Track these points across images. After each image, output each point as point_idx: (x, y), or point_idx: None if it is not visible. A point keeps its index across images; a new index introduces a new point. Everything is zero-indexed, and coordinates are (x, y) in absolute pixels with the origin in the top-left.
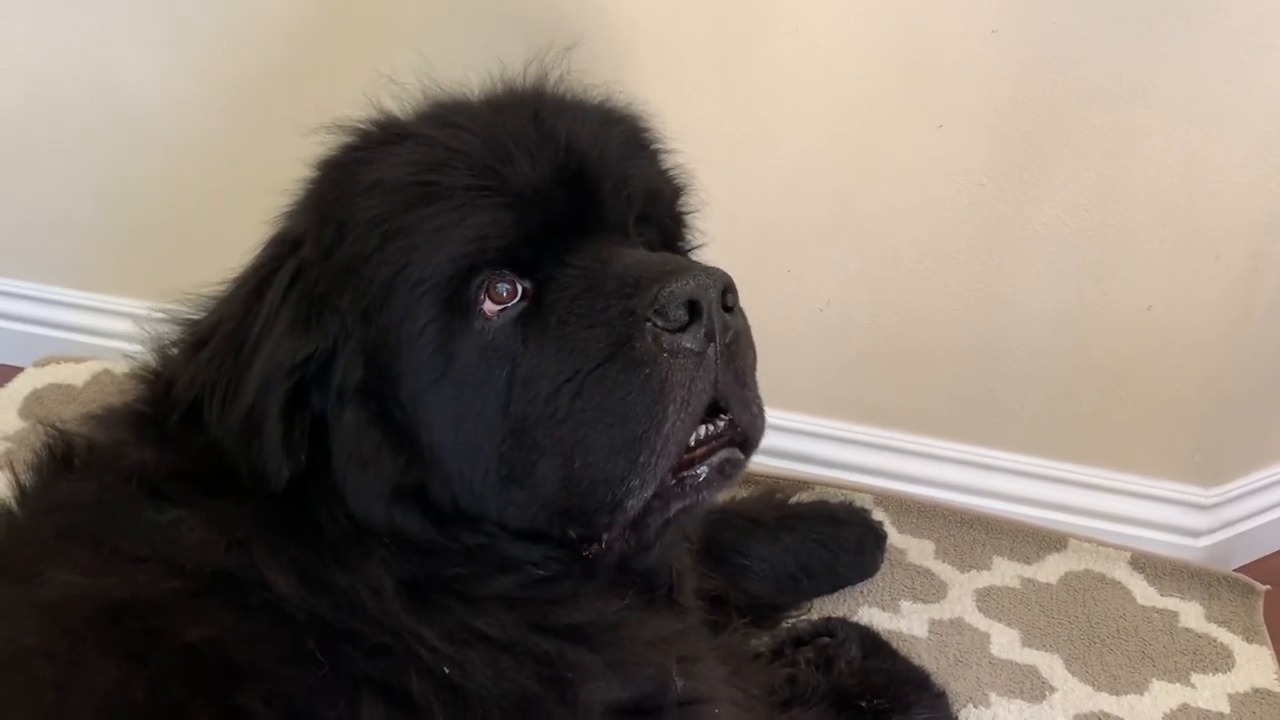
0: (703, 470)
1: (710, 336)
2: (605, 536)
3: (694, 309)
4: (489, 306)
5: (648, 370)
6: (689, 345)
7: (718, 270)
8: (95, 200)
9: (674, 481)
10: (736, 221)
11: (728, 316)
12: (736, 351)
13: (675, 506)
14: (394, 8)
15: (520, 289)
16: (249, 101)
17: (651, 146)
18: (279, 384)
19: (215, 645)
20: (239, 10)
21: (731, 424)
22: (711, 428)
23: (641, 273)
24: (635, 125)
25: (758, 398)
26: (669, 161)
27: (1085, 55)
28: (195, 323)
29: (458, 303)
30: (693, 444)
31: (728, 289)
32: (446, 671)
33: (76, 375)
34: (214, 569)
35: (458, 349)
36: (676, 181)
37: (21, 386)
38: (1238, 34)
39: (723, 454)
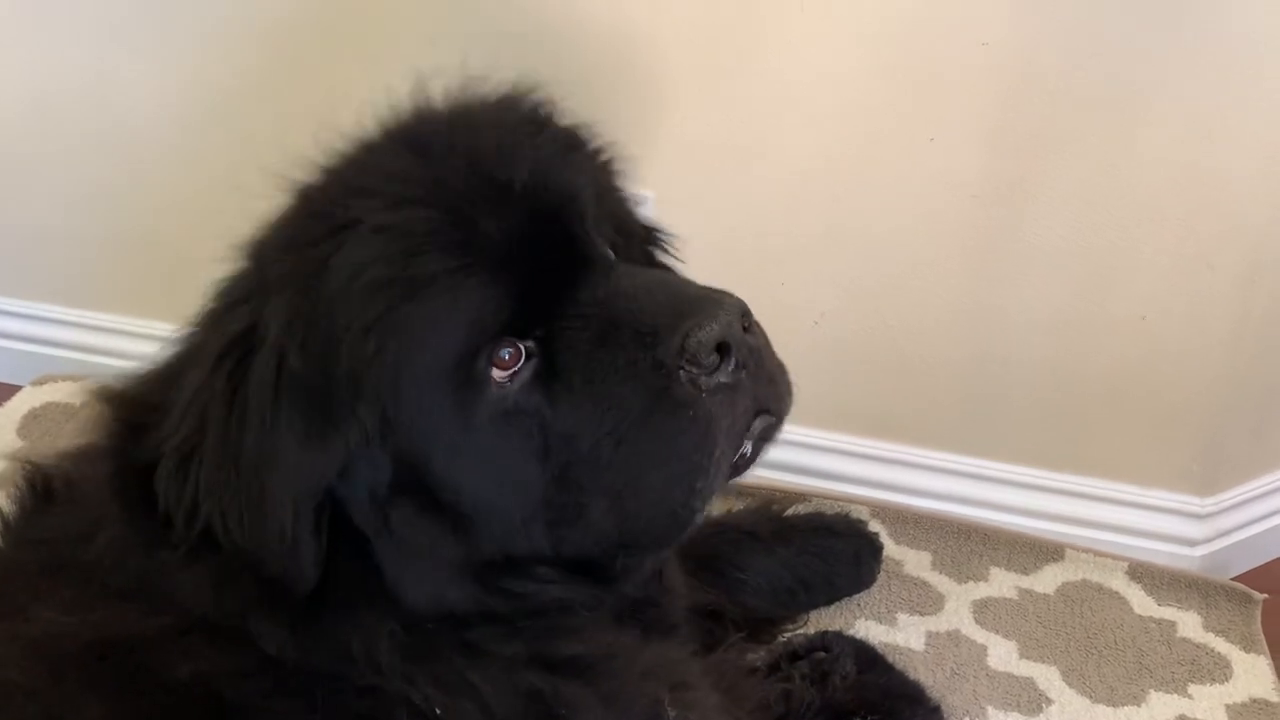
0: (748, 446)
1: (742, 365)
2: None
3: (723, 348)
4: (497, 374)
5: (691, 411)
6: (725, 381)
7: (730, 298)
8: (91, 217)
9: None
10: (729, 235)
11: (749, 339)
12: (762, 361)
13: (728, 483)
14: (388, 22)
15: (523, 349)
16: (254, 111)
17: (602, 162)
18: (308, 504)
19: (203, 682)
20: (232, 23)
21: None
22: None
23: (656, 317)
24: (581, 145)
25: (787, 381)
26: (619, 169)
27: (1078, 66)
28: (161, 406)
29: (469, 381)
30: None
31: (744, 314)
32: (438, 713)
33: (75, 394)
34: (202, 610)
35: (479, 422)
36: (630, 192)
37: (19, 405)
38: (1235, 43)
39: (758, 423)
